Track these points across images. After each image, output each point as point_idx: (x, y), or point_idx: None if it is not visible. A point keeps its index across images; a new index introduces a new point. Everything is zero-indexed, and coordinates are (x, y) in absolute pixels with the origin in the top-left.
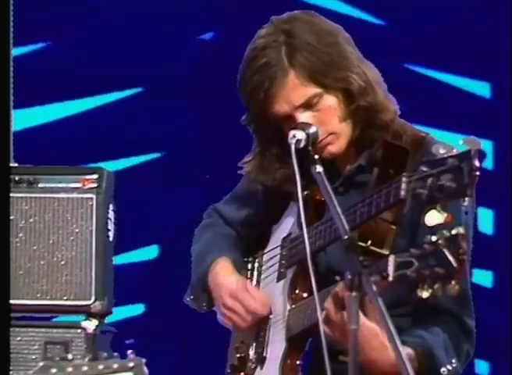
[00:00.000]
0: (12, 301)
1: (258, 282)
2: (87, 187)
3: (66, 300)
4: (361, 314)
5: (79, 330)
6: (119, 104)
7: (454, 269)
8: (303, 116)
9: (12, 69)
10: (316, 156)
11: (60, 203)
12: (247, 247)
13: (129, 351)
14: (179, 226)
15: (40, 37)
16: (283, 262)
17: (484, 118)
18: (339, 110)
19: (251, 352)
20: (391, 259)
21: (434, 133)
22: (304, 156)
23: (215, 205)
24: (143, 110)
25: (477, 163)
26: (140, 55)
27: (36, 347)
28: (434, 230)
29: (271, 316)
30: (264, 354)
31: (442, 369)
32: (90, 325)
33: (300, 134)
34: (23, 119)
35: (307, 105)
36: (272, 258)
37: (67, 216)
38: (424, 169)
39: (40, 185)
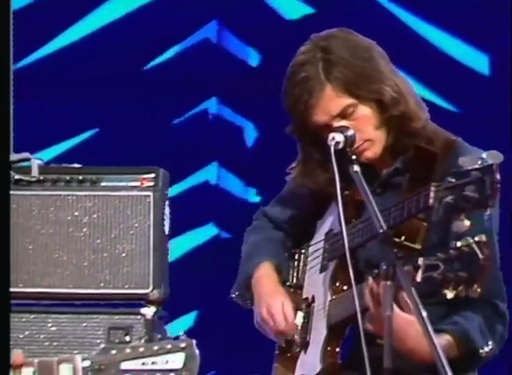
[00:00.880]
0: (78, 291)
1: (304, 271)
2: (144, 185)
3: (127, 289)
4: (398, 309)
5: (138, 316)
6: None
7: (477, 274)
8: (340, 125)
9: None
10: (353, 157)
11: (121, 200)
12: (295, 241)
13: (181, 333)
14: None
15: None
16: (326, 255)
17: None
18: (374, 119)
19: (297, 337)
20: (420, 263)
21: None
22: (343, 157)
23: (263, 209)
24: None
25: (498, 176)
26: None
27: (100, 332)
28: (459, 236)
29: (314, 305)
30: (308, 339)
31: (480, 352)
32: (149, 311)
33: (338, 137)
34: None
35: (343, 115)
36: (316, 250)
37: (127, 212)
38: (451, 179)
39: (103, 184)
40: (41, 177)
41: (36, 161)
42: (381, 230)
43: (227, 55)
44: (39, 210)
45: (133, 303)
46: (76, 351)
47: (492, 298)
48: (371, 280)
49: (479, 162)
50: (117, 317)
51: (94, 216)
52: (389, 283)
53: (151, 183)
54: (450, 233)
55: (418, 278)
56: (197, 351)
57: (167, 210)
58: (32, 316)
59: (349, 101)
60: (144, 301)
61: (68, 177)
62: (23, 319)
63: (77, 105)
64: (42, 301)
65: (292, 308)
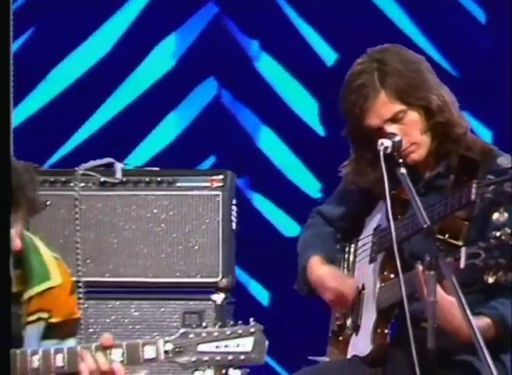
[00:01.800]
0: (156, 279)
1: (354, 263)
2: (214, 186)
3: (199, 277)
4: (442, 291)
5: (210, 302)
6: None
7: None
8: (390, 128)
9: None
10: (400, 160)
11: (193, 199)
12: (345, 236)
13: (251, 319)
14: None
15: None
16: (374, 248)
17: None
18: (421, 124)
19: (348, 321)
20: (463, 251)
21: None
22: (390, 160)
23: (317, 207)
24: None
25: None
26: None
27: (176, 316)
28: (498, 227)
29: (364, 292)
30: (359, 323)
31: None
32: (219, 298)
33: (387, 142)
34: None
35: (394, 119)
36: (365, 244)
37: (199, 209)
38: (491, 177)
39: (178, 184)
40: (124, 179)
41: (119, 165)
42: (425, 226)
43: None
44: (122, 208)
45: (205, 290)
46: (155, 333)
47: None
48: (421, 267)
49: None
50: (191, 303)
51: (171, 213)
52: (432, 272)
53: (220, 184)
54: (490, 224)
55: (462, 265)
56: (264, 336)
57: (234, 208)
58: (117, 303)
59: (400, 107)
60: (214, 288)
61: (147, 179)
62: (110, 306)
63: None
64: (126, 289)
65: (348, 279)
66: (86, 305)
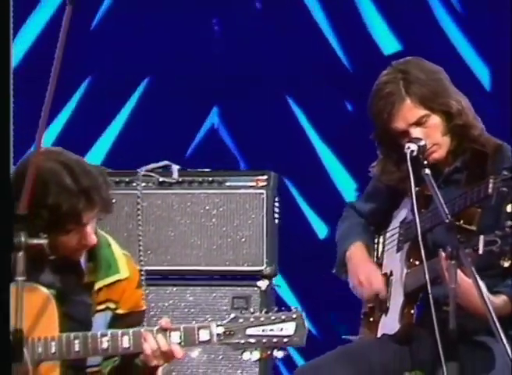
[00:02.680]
0: (208, 268)
1: (383, 252)
2: (259, 185)
3: (246, 266)
4: (462, 274)
5: (255, 288)
6: None
7: None
8: (415, 131)
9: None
10: (425, 162)
11: (241, 197)
12: (375, 228)
13: (293, 307)
14: None
15: None
16: (401, 238)
17: None
18: (442, 127)
19: (378, 304)
20: (481, 239)
21: None
22: (416, 162)
23: (350, 202)
24: None
25: None
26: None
27: (226, 300)
28: None
29: (392, 278)
30: (387, 305)
31: None
32: (263, 284)
33: (413, 146)
34: None
35: (418, 123)
36: (392, 235)
37: (246, 206)
38: (505, 173)
39: (227, 184)
40: (180, 179)
41: (176, 166)
42: (447, 220)
43: None
44: (178, 205)
45: (251, 277)
46: (207, 316)
47: None
48: (443, 254)
49: None
50: (239, 289)
51: (221, 209)
52: (453, 262)
53: (264, 183)
54: (504, 214)
55: (480, 251)
56: (305, 322)
57: (277, 204)
58: (174, 289)
59: (423, 112)
60: (259, 275)
61: (200, 179)
62: (168, 291)
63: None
64: (182, 276)
65: (380, 275)
66: (147, 291)
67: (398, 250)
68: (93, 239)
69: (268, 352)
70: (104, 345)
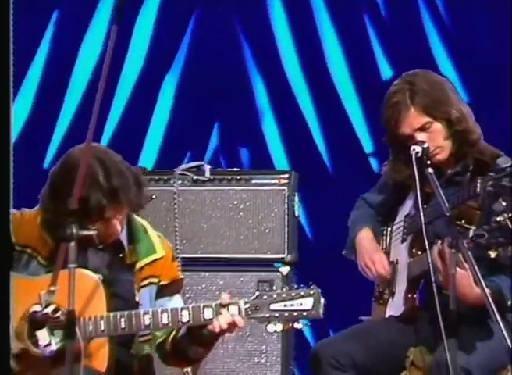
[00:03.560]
0: (237, 255)
1: (390, 243)
2: (281, 182)
3: (269, 254)
4: (458, 268)
5: (278, 273)
6: None
7: (511, 239)
8: (420, 136)
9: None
10: (428, 162)
11: (265, 193)
12: (383, 220)
13: (310, 283)
14: None
15: None
16: (405, 230)
17: None
18: (443, 132)
19: (386, 289)
20: (471, 232)
21: None
22: (420, 162)
23: (363, 195)
24: None
25: None
26: None
27: (252, 284)
28: (498, 213)
29: (397, 266)
30: (394, 290)
31: (508, 303)
32: (285, 270)
33: (417, 148)
34: None
35: (422, 129)
36: (398, 228)
37: (269, 201)
38: (491, 174)
39: (253, 181)
40: (211, 177)
41: (207, 166)
42: (448, 214)
43: None
44: (210, 200)
45: (274, 264)
46: (236, 298)
47: None
48: (439, 245)
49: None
50: (263, 274)
51: (247, 203)
52: (453, 250)
53: (286, 181)
54: (492, 211)
55: (471, 244)
56: (321, 296)
57: (296, 200)
58: (207, 274)
59: (427, 119)
60: (281, 262)
61: (229, 177)
62: (201, 276)
63: None
64: (213, 263)
65: (383, 256)
66: (183, 276)
67: (403, 241)
68: (115, 232)
69: (290, 325)
70: (146, 322)
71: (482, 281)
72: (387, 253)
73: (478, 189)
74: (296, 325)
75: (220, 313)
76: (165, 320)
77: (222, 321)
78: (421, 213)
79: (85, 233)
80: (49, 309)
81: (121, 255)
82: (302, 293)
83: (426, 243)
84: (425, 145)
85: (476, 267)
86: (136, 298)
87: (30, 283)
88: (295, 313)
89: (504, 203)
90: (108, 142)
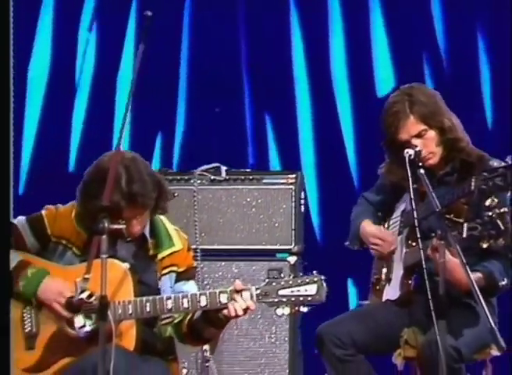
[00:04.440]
0: (249, 247)
1: None
2: (289, 182)
3: (278, 245)
4: (449, 254)
5: (286, 263)
6: None
7: (501, 232)
8: (415, 142)
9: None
10: (420, 163)
11: (275, 191)
12: (382, 216)
13: (315, 272)
14: None
15: None
16: (401, 225)
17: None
18: (436, 139)
19: (383, 275)
20: (465, 226)
21: None
22: (413, 164)
23: (363, 193)
24: None
25: None
26: None
27: (263, 272)
28: (490, 209)
29: (394, 256)
30: (390, 276)
31: (499, 284)
32: (292, 259)
33: (410, 151)
34: None
35: (418, 136)
36: (395, 222)
37: (278, 198)
38: (485, 174)
39: (264, 181)
40: (227, 177)
41: (223, 167)
42: (437, 209)
43: None
44: (226, 198)
45: (283, 254)
46: (249, 284)
47: (509, 252)
48: (435, 240)
49: (504, 163)
50: (273, 263)
51: (259, 201)
52: (442, 242)
53: (293, 181)
54: (484, 207)
55: (464, 235)
56: (325, 283)
57: (302, 196)
58: (223, 263)
59: (423, 127)
60: (288, 253)
61: (243, 177)
62: (217, 265)
63: None
64: (229, 253)
65: (389, 232)
66: (202, 265)
67: (399, 234)
68: (135, 231)
69: (296, 308)
70: (169, 306)
71: (468, 269)
72: None
73: (473, 187)
74: (302, 308)
75: (234, 299)
76: (185, 305)
77: (237, 306)
78: (413, 208)
79: (115, 227)
80: (84, 295)
81: (145, 248)
82: (307, 280)
83: (418, 234)
84: (417, 149)
85: (463, 256)
86: (159, 285)
87: (66, 271)
88: (301, 298)
89: (496, 200)
90: (128, 145)
